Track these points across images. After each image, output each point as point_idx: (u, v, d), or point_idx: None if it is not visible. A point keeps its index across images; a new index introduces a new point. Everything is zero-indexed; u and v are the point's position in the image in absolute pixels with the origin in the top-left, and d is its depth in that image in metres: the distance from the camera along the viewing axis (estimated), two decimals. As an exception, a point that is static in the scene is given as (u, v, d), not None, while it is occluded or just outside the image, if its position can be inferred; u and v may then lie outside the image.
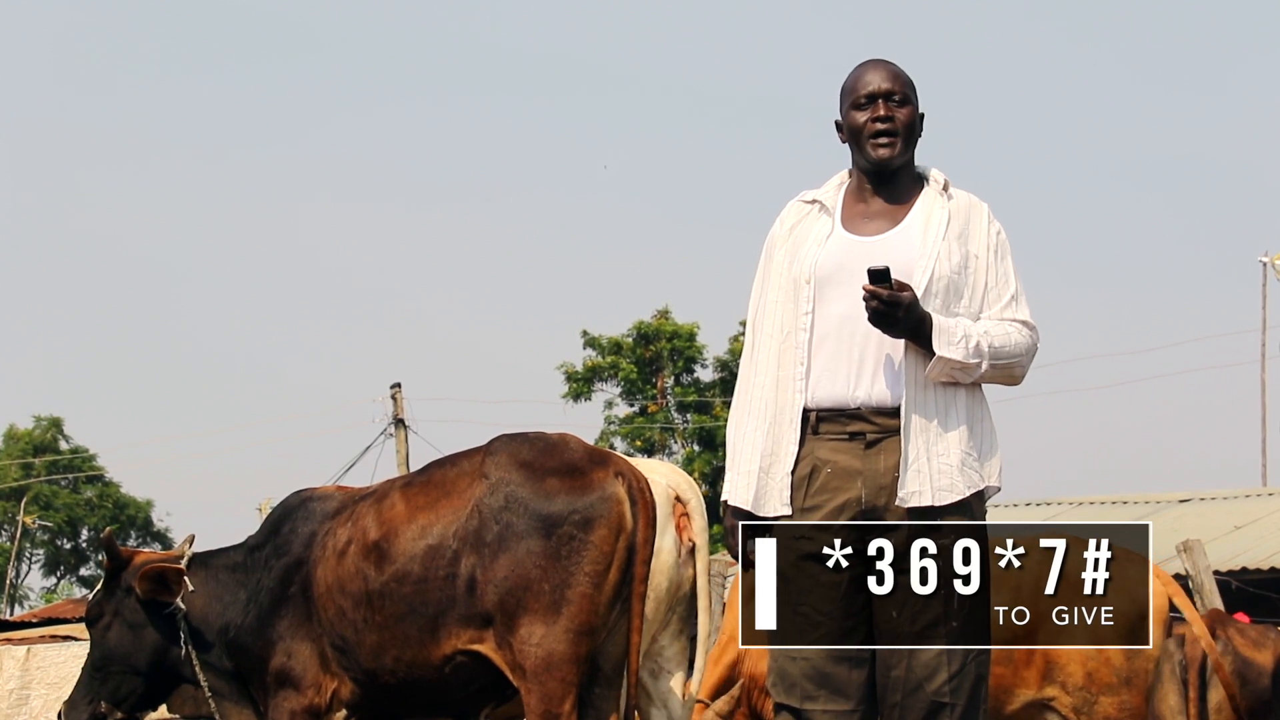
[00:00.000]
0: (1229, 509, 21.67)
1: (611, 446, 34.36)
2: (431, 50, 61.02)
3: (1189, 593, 13.71)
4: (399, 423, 30.88)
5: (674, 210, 60.26)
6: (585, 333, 37.49)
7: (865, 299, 4.63)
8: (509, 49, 59.38)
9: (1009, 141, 59.21)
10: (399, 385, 31.05)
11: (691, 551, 6.41)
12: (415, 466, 8.20)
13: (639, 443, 36.52)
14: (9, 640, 11.76)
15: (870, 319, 4.65)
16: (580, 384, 37.15)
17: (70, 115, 62.77)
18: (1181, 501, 22.51)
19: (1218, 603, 13.07)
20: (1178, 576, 14.42)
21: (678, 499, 6.46)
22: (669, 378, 37.34)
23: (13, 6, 63.18)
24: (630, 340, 37.39)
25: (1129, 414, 56.77)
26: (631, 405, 37.38)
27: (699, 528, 5.65)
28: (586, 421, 40.74)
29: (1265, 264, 32.27)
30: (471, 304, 60.33)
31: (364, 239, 60.51)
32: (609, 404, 37.63)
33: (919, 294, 4.69)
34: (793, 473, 4.79)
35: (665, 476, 6.50)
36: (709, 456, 35.53)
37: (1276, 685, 8.96)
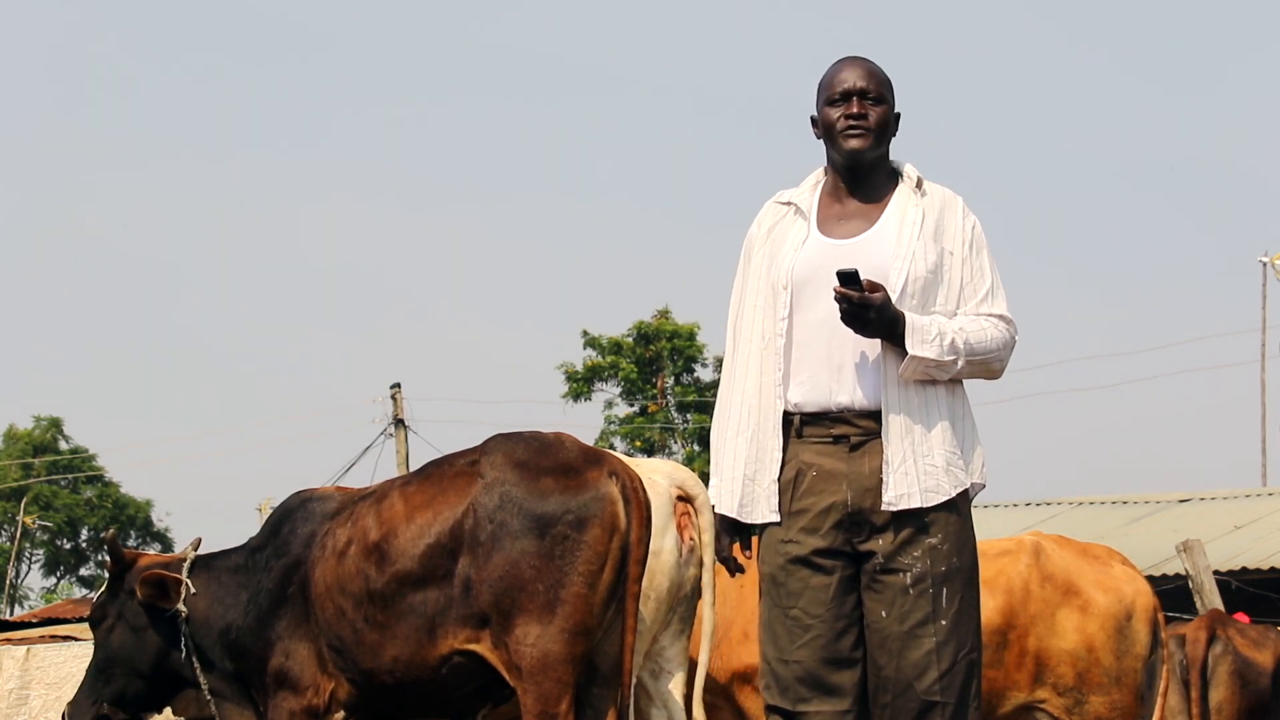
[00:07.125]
0: (1229, 509, 21.66)
1: (611, 447, 34.33)
2: (432, 50, 61.03)
3: (1189, 593, 13.71)
4: (399, 423, 30.88)
5: (674, 210, 60.28)
6: (585, 333, 37.45)
7: (836, 301, 4.64)
8: (509, 50, 59.38)
9: (1009, 142, 59.20)
10: (399, 385, 31.05)
11: (693, 551, 6.40)
12: (415, 466, 8.19)
13: (639, 443, 36.48)
14: (9, 640, 11.74)
15: (842, 320, 4.66)
16: (580, 384, 37.09)
17: (70, 115, 62.76)
18: (1181, 501, 22.49)
19: (1218, 603, 13.06)
20: (1178, 576, 14.43)
21: (682, 497, 6.44)
22: (669, 378, 37.30)
23: (13, 7, 63.17)
24: (630, 340, 37.34)
25: (1129, 414, 56.77)
26: (631, 405, 37.35)
27: (705, 523, 5.64)
28: (586, 421, 40.75)
29: (1265, 264, 32.28)
30: (471, 304, 60.34)
31: (364, 239, 60.51)
32: (609, 404, 37.60)
33: (895, 295, 4.69)
34: (779, 478, 4.81)
35: (669, 475, 6.48)
36: (709, 457, 35.49)
37: (1277, 685, 8.98)
